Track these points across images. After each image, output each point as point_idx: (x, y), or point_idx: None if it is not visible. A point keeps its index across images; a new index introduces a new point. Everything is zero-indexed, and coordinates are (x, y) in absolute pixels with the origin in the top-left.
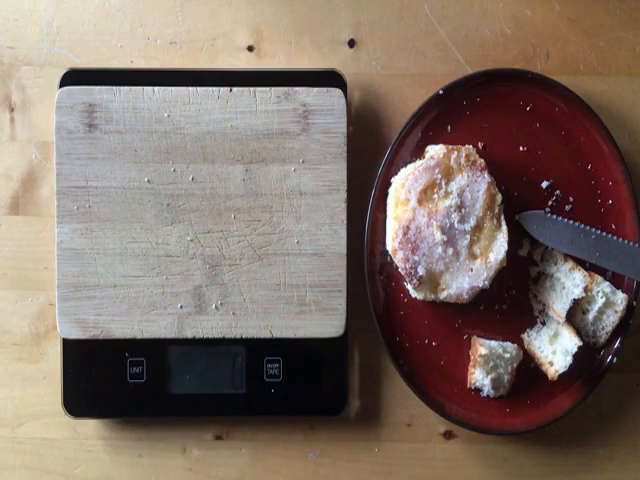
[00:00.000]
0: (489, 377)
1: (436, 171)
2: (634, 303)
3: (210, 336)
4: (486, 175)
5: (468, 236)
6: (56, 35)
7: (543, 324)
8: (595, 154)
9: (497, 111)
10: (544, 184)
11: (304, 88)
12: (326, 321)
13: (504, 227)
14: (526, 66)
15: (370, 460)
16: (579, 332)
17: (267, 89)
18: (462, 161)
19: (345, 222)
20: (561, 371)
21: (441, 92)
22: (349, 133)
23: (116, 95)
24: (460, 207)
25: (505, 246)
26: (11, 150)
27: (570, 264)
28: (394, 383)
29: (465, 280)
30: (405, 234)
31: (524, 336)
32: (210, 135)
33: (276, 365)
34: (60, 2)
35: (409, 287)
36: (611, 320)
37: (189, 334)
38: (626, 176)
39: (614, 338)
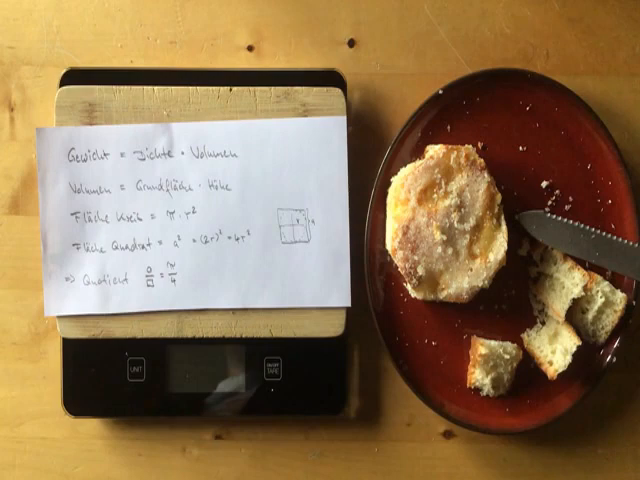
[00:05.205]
0: (489, 377)
1: (436, 171)
2: (633, 303)
3: (210, 335)
4: (486, 175)
5: (468, 236)
6: (56, 35)
7: (543, 324)
8: (595, 154)
9: (497, 111)
10: (544, 184)
11: (304, 88)
12: (326, 321)
13: (504, 227)
14: (526, 66)
15: (370, 460)
16: (579, 332)
17: (267, 89)
18: (462, 161)
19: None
20: (560, 370)
21: (441, 92)
22: (349, 133)
23: (116, 94)
24: (460, 207)
25: (505, 246)
26: (11, 150)
27: (569, 264)
28: (394, 383)
29: (465, 280)
30: (405, 234)
31: (524, 336)
32: None
33: (276, 365)
34: (60, 2)
35: (409, 287)
36: (610, 320)
37: (189, 333)
38: (625, 176)
39: (614, 338)
